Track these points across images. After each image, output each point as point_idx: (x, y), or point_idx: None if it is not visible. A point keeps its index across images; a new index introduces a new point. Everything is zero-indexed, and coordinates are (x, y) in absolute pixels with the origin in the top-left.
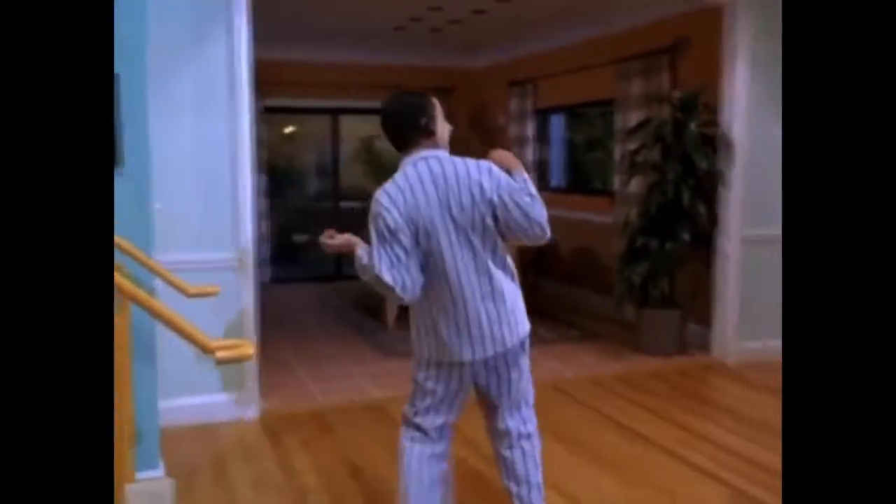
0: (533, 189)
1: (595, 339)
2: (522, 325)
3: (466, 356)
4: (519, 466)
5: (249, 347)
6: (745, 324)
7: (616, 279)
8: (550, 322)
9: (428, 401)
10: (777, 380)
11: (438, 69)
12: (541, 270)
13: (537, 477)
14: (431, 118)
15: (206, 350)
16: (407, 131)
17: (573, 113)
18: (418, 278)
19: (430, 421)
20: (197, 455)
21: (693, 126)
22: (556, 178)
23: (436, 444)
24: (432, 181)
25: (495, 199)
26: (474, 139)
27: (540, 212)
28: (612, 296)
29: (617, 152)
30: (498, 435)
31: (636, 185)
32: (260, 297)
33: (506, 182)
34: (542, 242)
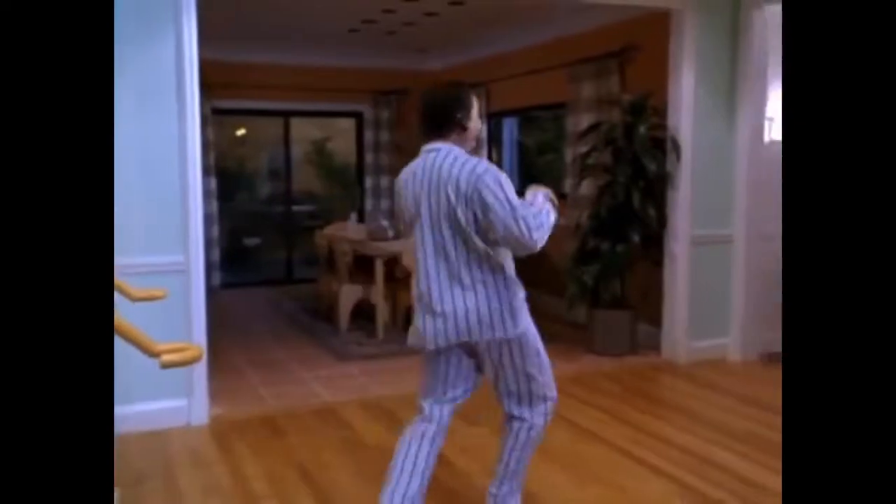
0: (534, 219)
1: (547, 340)
2: (500, 325)
3: (430, 344)
4: (505, 449)
5: (197, 350)
6: (695, 323)
7: (568, 280)
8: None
9: (426, 379)
10: (724, 378)
11: (392, 72)
12: None
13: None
14: (467, 113)
15: (151, 353)
16: (442, 123)
17: (526, 116)
18: None
19: (424, 400)
20: (144, 463)
21: (642, 129)
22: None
23: (429, 424)
24: (429, 171)
25: (473, 197)
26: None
27: (522, 231)
28: (564, 297)
29: (568, 155)
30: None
31: (587, 187)
32: (210, 301)
33: (497, 192)
34: (528, 253)
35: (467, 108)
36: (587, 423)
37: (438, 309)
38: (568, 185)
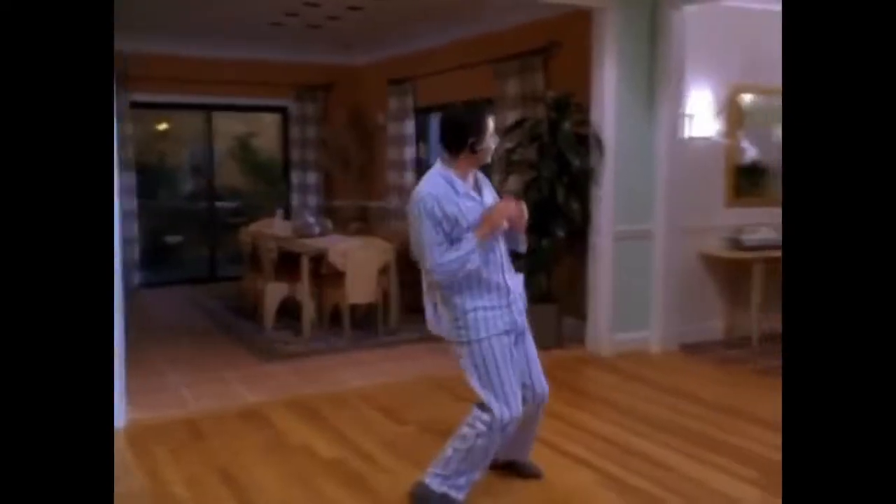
0: (440, 256)
1: None
2: (454, 329)
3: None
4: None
5: None
6: (618, 316)
7: None
8: None
9: None
10: (646, 369)
11: (317, 66)
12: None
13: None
14: (480, 137)
15: None
16: (453, 144)
17: None
18: None
19: None
20: None
21: (566, 125)
22: None
23: None
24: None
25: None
26: (352, 146)
27: (427, 256)
28: None
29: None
30: None
31: (513, 183)
32: (129, 301)
33: (413, 229)
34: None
35: (481, 133)
36: None
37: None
38: (495, 180)
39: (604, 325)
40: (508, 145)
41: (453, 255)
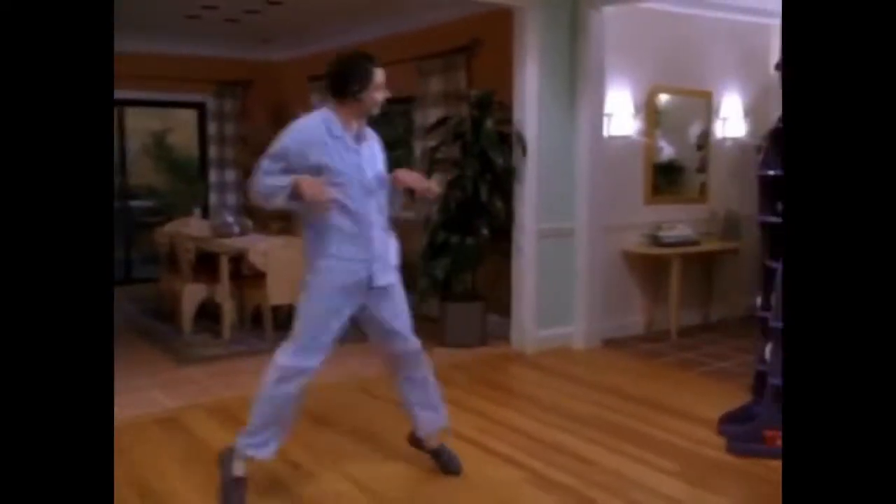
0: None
1: None
2: (306, 266)
3: None
4: None
5: None
6: (542, 313)
7: (419, 275)
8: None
9: None
10: (569, 365)
11: (236, 61)
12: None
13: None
14: (363, 85)
15: None
16: (337, 90)
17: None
18: None
19: None
20: None
21: (489, 124)
22: None
23: None
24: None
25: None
26: (272, 139)
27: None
28: (415, 291)
29: (418, 149)
30: None
31: (437, 181)
32: None
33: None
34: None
35: (364, 81)
36: None
37: None
38: None
39: (528, 323)
40: (432, 143)
41: (267, 181)
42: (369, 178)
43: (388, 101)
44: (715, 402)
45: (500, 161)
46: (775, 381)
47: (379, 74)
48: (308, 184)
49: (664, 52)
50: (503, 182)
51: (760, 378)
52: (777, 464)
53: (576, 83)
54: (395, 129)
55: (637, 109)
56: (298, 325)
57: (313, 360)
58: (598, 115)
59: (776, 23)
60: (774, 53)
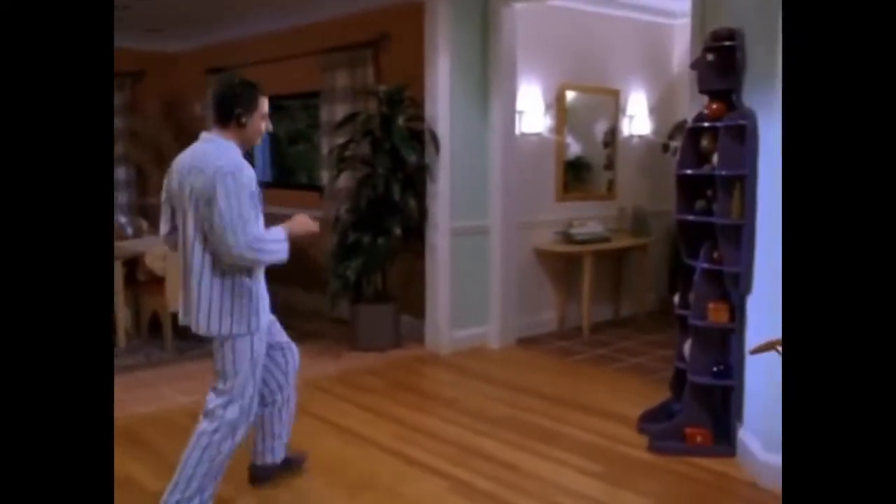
0: (260, 246)
1: (309, 340)
2: (239, 320)
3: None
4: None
5: None
6: (456, 313)
7: (329, 276)
8: None
9: None
10: (485, 365)
11: (125, 52)
12: (244, 269)
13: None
14: (247, 111)
15: None
16: (221, 114)
17: (276, 105)
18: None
19: None
20: None
21: (400, 120)
22: (261, 172)
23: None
24: (191, 159)
25: (209, 199)
26: (165, 134)
27: (240, 232)
28: (324, 293)
29: (324, 146)
30: None
31: (345, 179)
32: None
33: (226, 203)
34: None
35: (249, 107)
36: (354, 425)
37: (190, 294)
38: (325, 177)
39: (442, 323)
40: (340, 140)
41: (272, 236)
42: None
43: (289, 96)
44: (632, 399)
45: (412, 158)
46: (695, 378)
47: (264, 103)
48: (296, 224)
49: (573, 49)
50: (416, 180)
51: (679, 375)
52: (698, 461)
53: (488, 80)
54: (296, 124)
55: (547, 107)
56: (248, 377)
57: (254, 408)
58: (510, 112)
59: (678, 23)
60: (677, 53)
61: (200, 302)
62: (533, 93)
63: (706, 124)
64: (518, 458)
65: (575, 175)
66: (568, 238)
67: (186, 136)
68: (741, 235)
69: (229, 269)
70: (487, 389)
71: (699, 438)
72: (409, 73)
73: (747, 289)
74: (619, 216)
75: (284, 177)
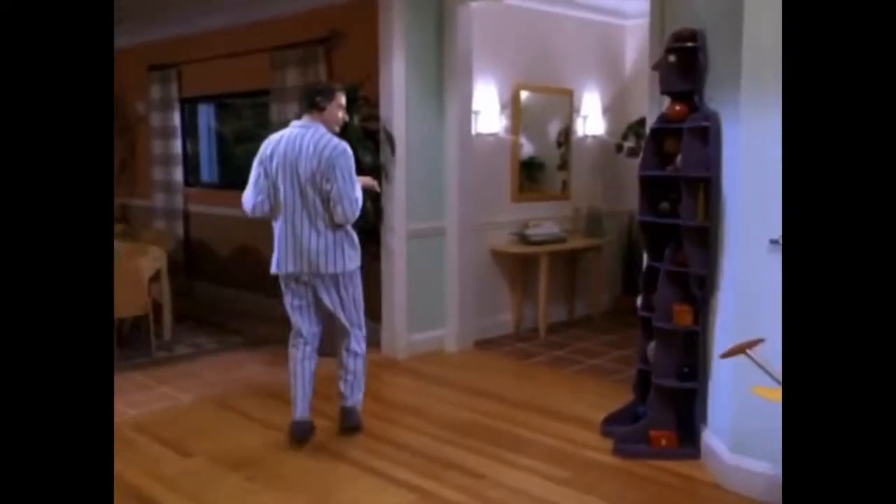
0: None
1: (262, 345)
2: (341, 263)
3: (290, 268)
4: (345, 378)
5: None
6: (413, 317)
7: None
8: (210, 329)
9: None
10: (444, 370)
11: None
12: (194, 272)
13: (357, 396)
14: (326, 99)
15: None
16: (307, 103)
17: (223, 103)
18: (265, 202)
19: (300, 327)
20: None
21: (355, 120)
22: (208, 172)
23: (307, 346)
24: (291, 142)
25: (326, 173)
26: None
27: (356, 197)
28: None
29: None
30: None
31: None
32: None
33: (340, 174)
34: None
35: (327, 97)
36: (318, 437)
37: (300, 244)
38: None
39: (399, 327)
40: None
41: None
42: None
43: (237, 94)
44: (593, 402)
45: (367, 159)
46: (659, 381)
47: (341, 96)
48: (364, 183)
49: (528, 49)
50: None
51: (642, 378)
52: (663, 464)
53: (443, 79)
54: (243, 122)
55: (503, 107)
56: (361, 305)
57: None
58: (466, 112)
59: (631, 23)
60: (630, 54)
61: (327, 251)
62: (488, 93)
63: (669, 126)
64: (485, 467)
65: (528, 175)
66: (524, 239)
67: (130, 136)
68: (705, 237)
69: (340, 223)
70: (449, 395)
71: (664, 441)
72: (362, 72)
73: (712, 291)
74: (573, 216)
75: (231, 177)
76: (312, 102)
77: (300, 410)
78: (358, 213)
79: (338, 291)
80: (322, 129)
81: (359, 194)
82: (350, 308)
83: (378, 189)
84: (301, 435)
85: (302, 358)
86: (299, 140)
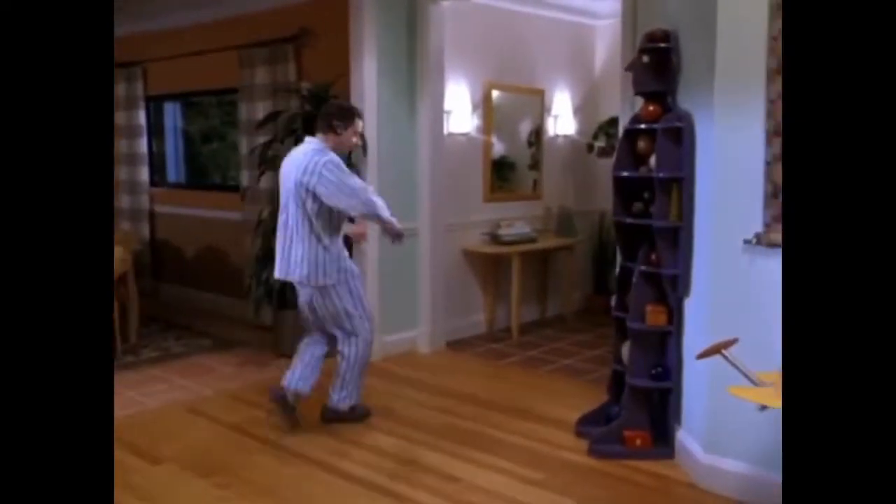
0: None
1: (231, 348)
2: (314, 276)
3: (277, 274)
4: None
5: None
6: (385, 318)
7: (253, 282)
8: (178, 332)
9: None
10: (417, 371)
11: None
12: (160, 274)
13: (338, 395)
14: (344, 125)
15: None
16: (323, 124)
17: (190, 101)
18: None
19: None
20: None
21: None
22: (175, 172)
23: (314, 335)
24: (296, 156)
25: (311, 187)
26: None
27: (361, 194)
28: (246, 298)
29: (244, 145)
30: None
31: (268, 180)
32: None
33: (324, 188)
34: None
35: (344, 120)
36: (284, 440)
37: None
38: (246, 177)
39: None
40: (262, 139)
41: (379, 199)
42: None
43: (203, 92)
44: (566, 402)
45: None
46: (633, 381)
47: (359, 123)
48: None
49: (499, 48)
50: None
51: (617, 378)
52: (638, 464)
53: (415, 79)
54: (211, 121)
55: (474, 106)
56: (357, 306)
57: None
58: (438, 111)
59: (601, 23)
60: (600, 54)
61: (304, 263)
62: (460, 92)
63: (643, 126)
64: (459, 469)
65: (500, 175)
66: (496, 239)
67: None
68: (679, 238)
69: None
70: (422, 397)
71: (638, 441)
72: (333, 71)
73: (685, 291)
74: (545, 216)
75: (198, 177)
76: (329, 125)
77: (285, 378)
78: (372, 202)
79: (319, 299)
80: (324, 150)
81: (355, 187)
82: (328, 319)
83: (366, 240)
84: (272, 396)
85: (307, 342)
86: (299, 155)
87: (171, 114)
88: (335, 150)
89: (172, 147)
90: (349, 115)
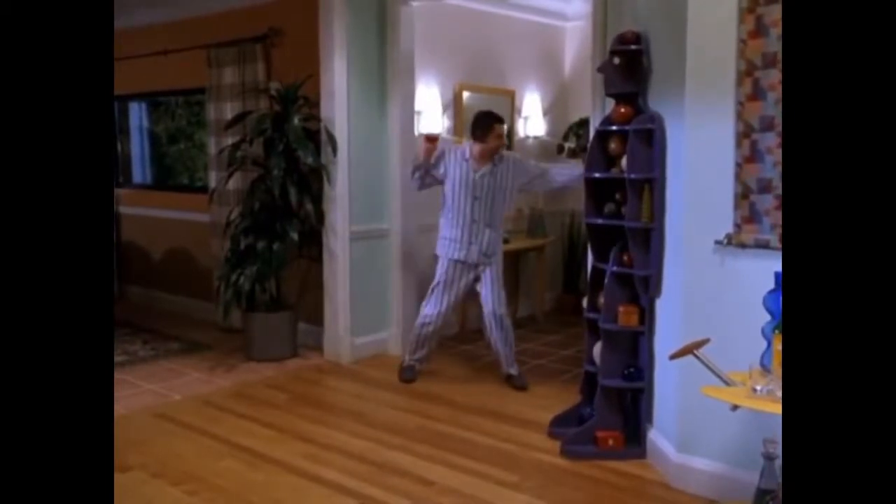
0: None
1: (200, 351)
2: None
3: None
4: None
5: None
6: (356, 320)
7: (222, 285)
8: (145, 335)
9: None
10: (389, 374)
11: None
12: (126, 276)
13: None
14: (484, 132)
15: None
16: (472, 132)
17: (156, 101)
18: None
19: None
20: None
21: (296, 120)
22: (140, 173)
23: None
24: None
25: None
26: None
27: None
28: (214, 301)
29: (212, 146)
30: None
31: (237, 181)
32: None
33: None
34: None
35: (484, 130)
36: (255, 444)
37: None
38: (214, 178)
39: (342, 331)
40: (230, 140)
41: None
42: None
43: (169, 92)
44: (539, 404)
45: (308, 160)
46: (605, 381)
47: (499, 128)
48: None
49: (469, 49)
50: (312, 182)
51: (589, 379)
52: (610, 464)
53: (386, 79)
54: (177, 121)
55: (445, 107)
56: (431, 287)
57: (430, 314)
58: (408, 112)
59: (570, 25)
60: (569, 55)
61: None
62: (431, 93)
63: (614, 127)
64: (433, 473)
65: None
66: None
67: None
68: (650, 238)
69: None
70: (394, 399)
71: (611, 442)
72: (302, 71)
73: (657, 292)
74: (516, 217)
75: (164, 178)
76: (473, 134)
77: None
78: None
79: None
80: (465, 150)
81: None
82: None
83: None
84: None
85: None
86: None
87: (137, 114)
88: (481, 153)
89: (138, 147)
90: (488, 123)
